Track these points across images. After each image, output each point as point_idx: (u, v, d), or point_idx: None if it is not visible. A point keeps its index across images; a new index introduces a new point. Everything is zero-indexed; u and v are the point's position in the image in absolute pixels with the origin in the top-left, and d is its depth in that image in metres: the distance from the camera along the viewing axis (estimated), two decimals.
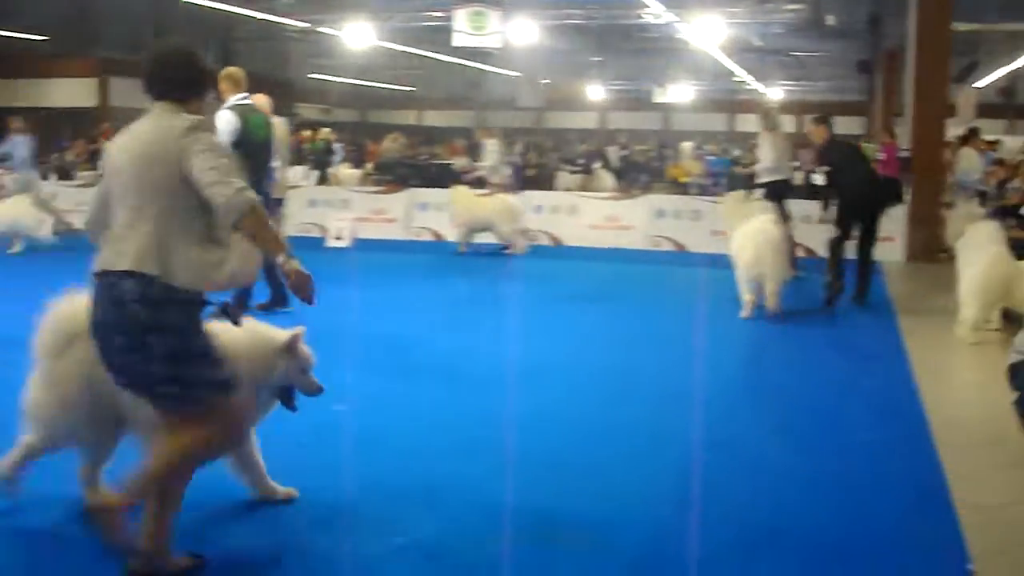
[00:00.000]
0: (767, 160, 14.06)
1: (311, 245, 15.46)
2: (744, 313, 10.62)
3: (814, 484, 5.73)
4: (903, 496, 5.60)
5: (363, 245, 16.42)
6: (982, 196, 16.16)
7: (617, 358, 8.88)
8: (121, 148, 4.28)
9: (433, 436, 6.47)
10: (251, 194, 4.09)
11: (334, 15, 26.58)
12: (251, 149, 9.47)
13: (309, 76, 41.05)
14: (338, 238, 16.78)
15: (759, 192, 13.71)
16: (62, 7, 28.97)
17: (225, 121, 9.62)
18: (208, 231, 4.17)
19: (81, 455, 4.98)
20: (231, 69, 10.14)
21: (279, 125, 11.75)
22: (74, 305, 4.69)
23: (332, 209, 18.07)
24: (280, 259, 4.22)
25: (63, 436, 4.90)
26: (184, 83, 4.36)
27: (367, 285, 12.13)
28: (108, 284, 4.12)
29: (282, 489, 5.24)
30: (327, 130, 27.36)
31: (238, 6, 25.70)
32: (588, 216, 17.79)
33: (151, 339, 4.06)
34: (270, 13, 25.77)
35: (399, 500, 5.31)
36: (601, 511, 5.28)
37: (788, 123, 44.12)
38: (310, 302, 4.30)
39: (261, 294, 9.90)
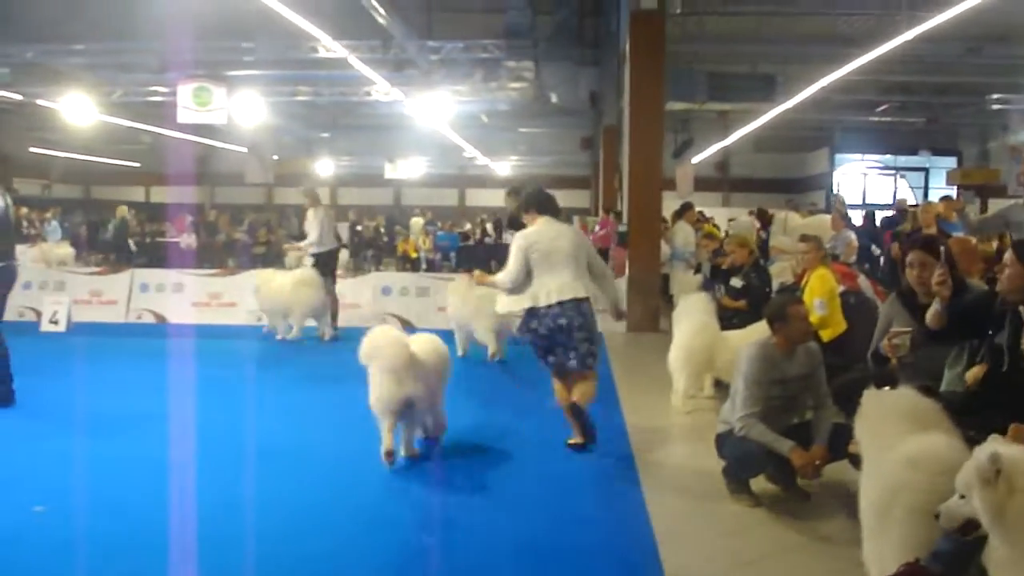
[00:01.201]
0: (314, 234, 14.90)
1: (25, 329, 14.62)
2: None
3: (540, 557, 5.81)
4: (619, 569, 5.68)
5: (80, 329, 15.68)
6: (697, 268, 16.91)
7: (340, 442, 8.70)
8: (554, 238, 8.17)
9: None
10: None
11: (54, 87, 25.60)
12: (7, 226, 9.93)
13: (29, 150, 39.32)
14: (53, 322, 15.92)
15: (309, 262, 15.11)
16: None
17: None
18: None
19: (408, 427, 7.80)
20: None
21: None
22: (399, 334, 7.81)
23: (46, 291, 17.09)
24: (621, 307, 8.95)
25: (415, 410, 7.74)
26: (555, 207, 8.52)
27: (81, 373, 11.69)
28: (572, 304, 7.97)
29: None
30: (125, 207, 26.43)
31: None
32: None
33: (594, 330, 8.19)
34: None
35: None
36: None
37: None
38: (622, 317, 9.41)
39: None
